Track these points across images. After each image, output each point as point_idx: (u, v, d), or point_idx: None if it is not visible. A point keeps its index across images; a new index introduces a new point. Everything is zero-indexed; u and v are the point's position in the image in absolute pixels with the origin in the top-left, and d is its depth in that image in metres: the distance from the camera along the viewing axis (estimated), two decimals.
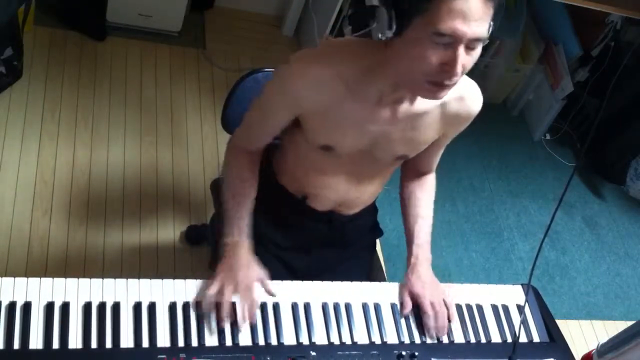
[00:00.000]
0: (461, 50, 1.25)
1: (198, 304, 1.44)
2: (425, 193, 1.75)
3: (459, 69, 1.27)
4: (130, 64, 3.02)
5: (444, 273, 2.83)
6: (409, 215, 1.73)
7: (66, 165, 2.61)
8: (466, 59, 1.28)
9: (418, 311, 1.60)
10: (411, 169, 1.76)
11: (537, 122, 3.58)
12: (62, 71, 2.88)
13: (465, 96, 1.52)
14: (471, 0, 1.21)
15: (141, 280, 1.44)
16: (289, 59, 1.46)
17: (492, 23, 1.28)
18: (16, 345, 1.30)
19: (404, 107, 1.47)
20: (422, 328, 1.57)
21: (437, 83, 1.31)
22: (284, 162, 1.70)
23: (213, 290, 1.45)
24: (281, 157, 1.71)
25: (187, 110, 2.96)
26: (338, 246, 1.82)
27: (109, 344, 1.34)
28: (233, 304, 1.45)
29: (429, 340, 1.56)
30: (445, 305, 1.60)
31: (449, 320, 1.60)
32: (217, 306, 1.44)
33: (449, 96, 1.47)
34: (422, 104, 1.47)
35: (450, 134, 1.62)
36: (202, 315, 1.43)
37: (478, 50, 1.29)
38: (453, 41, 1.24)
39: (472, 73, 1.47)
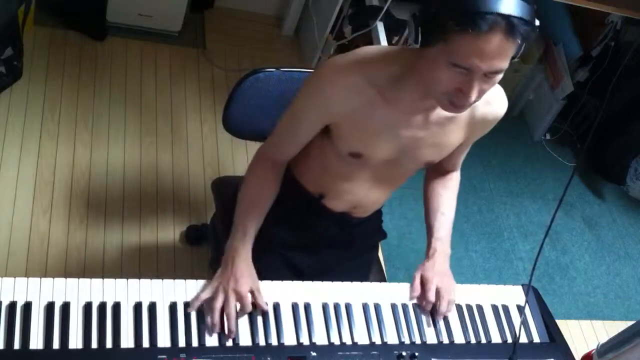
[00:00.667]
0: (477, 79, 1.28)
1: (188, 304, 1.44)
2: (448, 190, 1.77)
3: (474, 96, 1.30)
4: (130, 64, 3.02)
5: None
6: (431, 211, 1.75)
7: (66, 165, 2.61)
8: (484, 85, 1.31)
9: (418, 311, 1.60)
10: (436, 168, 1.77)
11: (537, 122, 3.58)
12: (62, 71, 2.88)
13: (492, 100, 1.55)
14: (492, 41, 1.22)
15: (141, 280, 1.45)
16: (319, 66, 1.47)
17: (522, 46, 1.29)
18: (16, 345, 1.30)
19: (436, 112, 1.48)
20: (422, 328, 1.57)
21: (453, 103, 1.34)
22: (305, 163, 1.68)
23: (205, 295, 1.45)
24: (302, 157, 1.67)
25: (187, 110, 2.96)
26: (343, 247, 1.83)
27: (109, 344, 1.34)
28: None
29: (429, 341, 1.56)
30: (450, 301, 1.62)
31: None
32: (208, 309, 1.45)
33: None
34: None
35: (476, 136, 1.64)
36: (193, 315, 1.43)
37: (499, 76, 1.31)
38: (469, 72, 1.27)
39: None
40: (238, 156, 2.87)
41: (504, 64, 1.28)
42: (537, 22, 1.28)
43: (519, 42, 1.25)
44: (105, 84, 2.91)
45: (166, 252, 2.50)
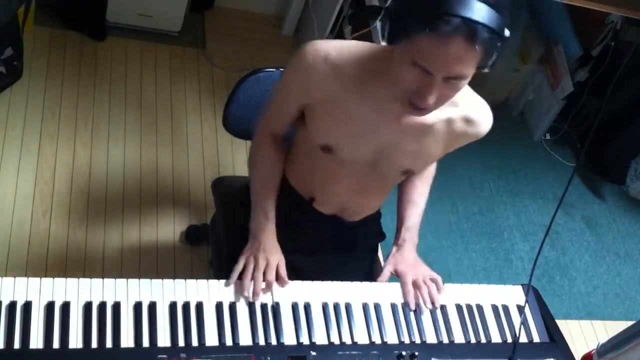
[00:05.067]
0: (436, 82, 1.26)
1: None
2: (422, 181, 1.78)
3: (432, 99, 1.29)
4: (130, 64, 3.02)
5: (444, 273, 2.81)
6: (403, 201, 1.76)
7: (66, 165, 2.61)
8: (444, 90, 1.29)
9: (418, 311, 1.60)
10: None
11: (537, 122, 3.58)
12: (62, 71, 2.88)
13: (474, 119, 1.54)
14: (452, 45, 1.20)
15: (141, 280, 1.45)
16: (304, 45, 1.48)
17: (494, 56, 1.26)
18: (16, 345, 1.30)
19: (410, 118, 1.47)
20: (422, 328, 1.57)
21: (414, 104, 1.33)
22: (293, 163, 1.72)
23: (239, 266, 1.52)
24: (291, 157, 1.72)
25: (187, 110, 2.96)
26: (342, 250, 1.84)
27: (109, 344, 1.34)
28: None
29: (429, 340, 1.56)
30: (433, 281, 1.65)
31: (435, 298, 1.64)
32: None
33: (455, 114, 1.50)
34: (427, 117, 1.46)
35: (456, 147, 1.64)
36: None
37: (462, 82, 1.29)
38: (429, 74, 1.26)
39: None
40: (238, 156, 2.87)
41: (466, 71, 1.26)
42: (507, 33, 1.24)
43: (483, 50, 1.22)
44: (105, 84, 2.91)
45: (166, 252, 2.50)
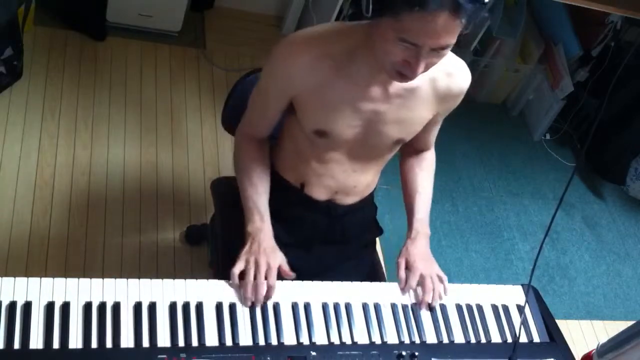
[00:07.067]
0: (423, 53, 1.30)
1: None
2: (423, 170, 1.80)
3: (420, 69, 1.33)
4: (130, 64, 3.02)
5: (444, 273, 2.83)
6: (408, 191, 1.78)
7: (66, 165, 2.61)
8: (430, 59, 1.33)
9: (418, 311, 1.60)
10: (409, 148, 1.79)
11: (537, 122, 3.58)
12: (62, 71, 2.88)
13: (454, 72, 1.56)
14: (439, 19, 1.24)
15: (141, 280, 1.45)
16: (279, 43, 1.50)
17: (470, 22, 1.28)
18: (16, 345, 1.30)
19: (395, 85, 1.50)
20: (422, 328, 1.57)
21: (400, 73, 1.37)
22: (281, 151, 1.73)
23: (237, 270, 1.51)
24: (278, 145, 1.73)
25: (187, 110, 2.96)
26: (338, 242, 1.83)
27: (109, 344, 1.34)
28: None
29: (429, 340, 1.56)
30: (440, 280, 1.65)
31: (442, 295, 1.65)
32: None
33: (437, 72, 1.52)
34: (412, 81, 1.48)
35: (443, 111, 1.65)
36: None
37: (446, 50, 1.33)
38: (417, 47, 1.29)
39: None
40: None
41: (451, 40, 1.30)
42: (486, 0, 1.27)
43: (465, 20, 1.26)
44: (105, 84, 2.91)
45: (166, 252, 2.50)
